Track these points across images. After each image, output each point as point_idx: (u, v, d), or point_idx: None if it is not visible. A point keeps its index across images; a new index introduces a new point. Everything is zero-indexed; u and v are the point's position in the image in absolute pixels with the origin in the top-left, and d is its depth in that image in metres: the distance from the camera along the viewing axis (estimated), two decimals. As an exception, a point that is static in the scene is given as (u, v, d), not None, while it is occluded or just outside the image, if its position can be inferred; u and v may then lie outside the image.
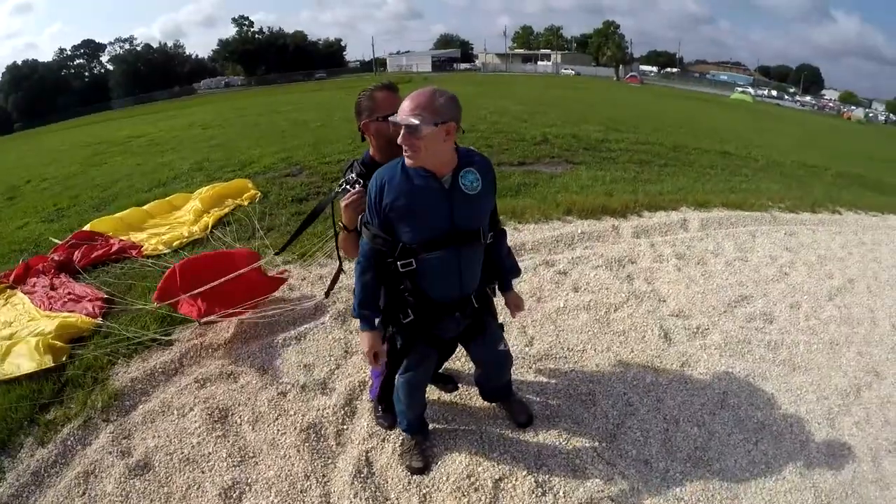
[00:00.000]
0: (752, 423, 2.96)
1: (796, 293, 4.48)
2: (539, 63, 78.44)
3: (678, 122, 16.70)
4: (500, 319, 2.60)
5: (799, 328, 3.95)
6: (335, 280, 2.86)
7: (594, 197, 6.30)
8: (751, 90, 59.16)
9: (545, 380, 3.21)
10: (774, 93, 65.85)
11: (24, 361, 3.40)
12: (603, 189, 6.83)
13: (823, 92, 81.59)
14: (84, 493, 2.58)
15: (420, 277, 2.12)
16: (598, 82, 49.59)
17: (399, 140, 1.91)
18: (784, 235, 5.75)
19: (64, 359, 3.46)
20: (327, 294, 3.21)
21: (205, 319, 3.58)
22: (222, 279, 3.66)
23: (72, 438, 2.87)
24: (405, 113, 1.88)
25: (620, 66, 72.52)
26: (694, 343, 3.63)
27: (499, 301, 2.55)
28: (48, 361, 3.38)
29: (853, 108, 58.37)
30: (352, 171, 2.35)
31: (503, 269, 2.41)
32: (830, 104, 64.75)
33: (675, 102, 29.53)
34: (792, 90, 73.69)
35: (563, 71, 68.72)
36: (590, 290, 4.26)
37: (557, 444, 2.73)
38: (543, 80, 44.38)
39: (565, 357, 3.43)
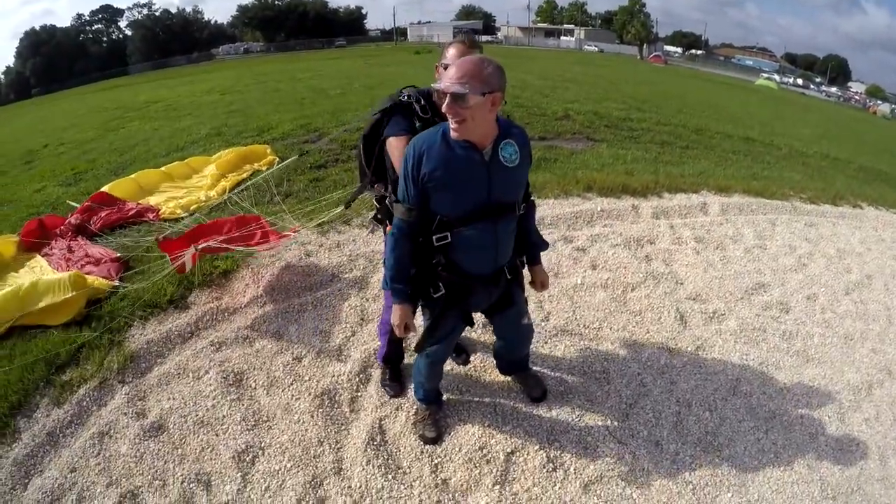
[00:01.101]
0: (764, 412, 2.95)
1: (814, 285, 4.42)
2: (562, 38, 76.78)
3: (701, 105, 16.33)
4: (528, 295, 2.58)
5: (814, 320, 3.91)
6: (359, 192, 2.75)
7: (615, 175, 6.21)
8: (776, 77, 57.72)
9: (560, 355, 3.22)
10: (800, 81, 64.24)
11: (47, 297, 3.50)
12: (624, 168, 6.73)
13: (850, 84, 79.33)
14: (99, 454, 2.62)
15: (455, 251, 2.09)
16: (622, 60, 48.52)
17: (444, 109, 1.86)
18: (804, 226, 5.65)
19: (81, 291, 3.53)
20: (347, 205, 3.15)
21: (201, 246, 3.57)
22: (227, 236, 3.70)
23: (87, 399, 2.91)
24: (452, 80, 1.82)
25: (645, 46, 70.93)
26: (710, 327, 3.61)
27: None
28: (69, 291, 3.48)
29: (879, 102, 56.51)
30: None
31: (531, 242, 2.38)
32: (856, 97, 62.84)
33: (699, 85, 28.86)
34: (818, 80, 71.84)
35: (586, 47, 67.26)
36: (608, 269, 4.23)
37: (570, 420, 2.75)
38: (566, 56, 43.49)
39: (581, 334, 3.43)
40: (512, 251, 2.25)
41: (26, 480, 2.52)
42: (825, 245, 5.27)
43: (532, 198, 2.34)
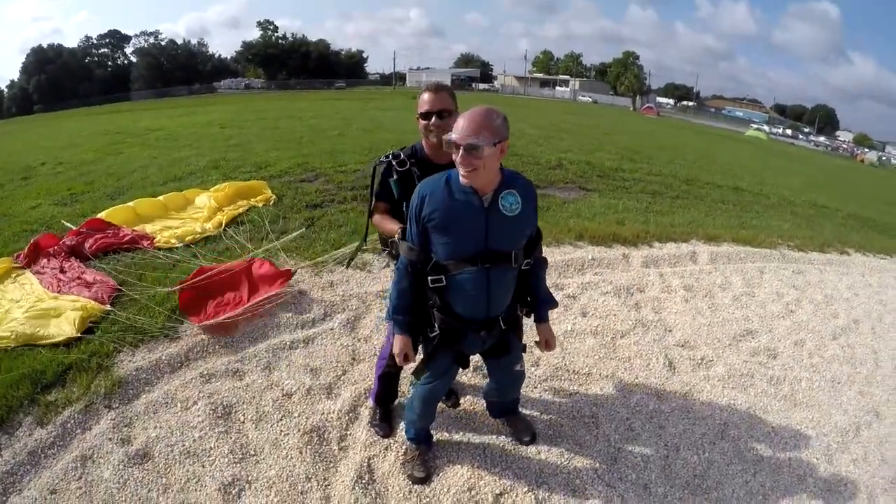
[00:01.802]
0: (752, 455, 2.97)
1: (801, 331, 4.50)
2: (557, 88, 78.85)
3: (692, 156, 16.75)
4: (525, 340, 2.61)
5: (802, 365, 3.97)
6: (357, 250, 2.97)
7: (606, 224, 6.35)
8: (766, 128, 59.42)
9: (550, 400, 3.24)
10: (789, 131, 65.95)
11: (65, 327, 3.56)
12: (615, 217, 6.88)
13: (838, 133, 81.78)
14: (80, 477, 2.58)
15: (449, 294, 2.15)
16: (615, 111, 49.82)
17: (458, 160, 1.94)
18: (792, 273, 5.77)
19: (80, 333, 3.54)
20: (348, 265, 3.27)
21: (204, 322, 3.65)
22: (240, 309, 3.78)
23: (72, 421, 2.87)
24: (466, 133, 1.90)
25: (638, 97, 72.94)
26: (698, 373, 3.65)
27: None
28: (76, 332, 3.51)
29: (867, 150, 58.19)
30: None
31: (539, 298, 2.40)
32: (844, 145, 64.77)
33: (691, 136, 29.63)
34: (806, 130, 73.83)
35: (580, 98, 69.17)
36: (598, 316, 4.29)
37: (559, 463, 2.75)
38: (561, 106, 44.63)
39: (570, 379, 3.46)
40: (510, 302, 2.28)
41: (4, 498, 2.48)
42: (812, 291, 5.38)
43: (542, 255, 2.39)
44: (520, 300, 2.36)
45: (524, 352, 2.55)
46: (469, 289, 2.12)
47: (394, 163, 2.44)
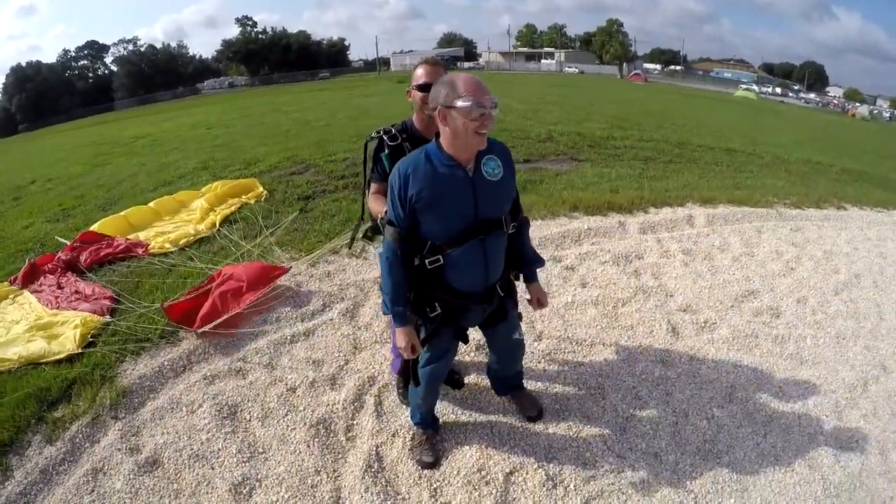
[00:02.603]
0: (761, 417, 2.96)
1: (803, 288, 4.48)
2: (543, 61, 78.30)
3: (683, 120, 16.64)
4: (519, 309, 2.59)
5: (806, 322, 3.96)
6: (356, 232, 2.96)
7: (600, 194, 6.31)
8: (755, 87, 59.04)
9: (555, 374, 3.23)
10: (779, 90, 65.71)
11: (66, 343, 3.56)
12: (609, 186, 6.83)
13: (828, 89, 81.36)
14: (93, 491, 2.58)
15: (447, 271, 2.13)
16: (602, 80, 49.41)
17: (489, 122, 1.94)
18: (790, 231, 5.74)
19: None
20: (350, 246, 3.27)
21: (200, 329, 3.62)
22: (235, 306, 3.77)
23: (80, 436, 2.87)
24: (488, 94, 1.92)
25: (624, 65, 72.36)
26: (702, 337, 3.64)
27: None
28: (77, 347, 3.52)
29: (858, 105, 58.04)
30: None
31: (527, 259, 2.40)
32: (835, 101, 64.46)
33: (680, 100, 29.42)
34: (796, 87, 73.49)
35: (566, 69, 68.53)
36: (597, 286, 4.27)
37: (568, 437, 2.75)
38: (547, 79, 44.25)
39: (574, 351, 3.44)
40: (503, 267, 2.28)
41: None
42: (812, 248, 5.36)
43: (524, 215, 2.39)
44: (509, 264, 2.35)
45: (520, 320, 2.54)
46: (467, 263, 2.11)
47: (385, 138, 2.45)
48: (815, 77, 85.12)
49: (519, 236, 2.33)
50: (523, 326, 3.54)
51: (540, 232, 5.14)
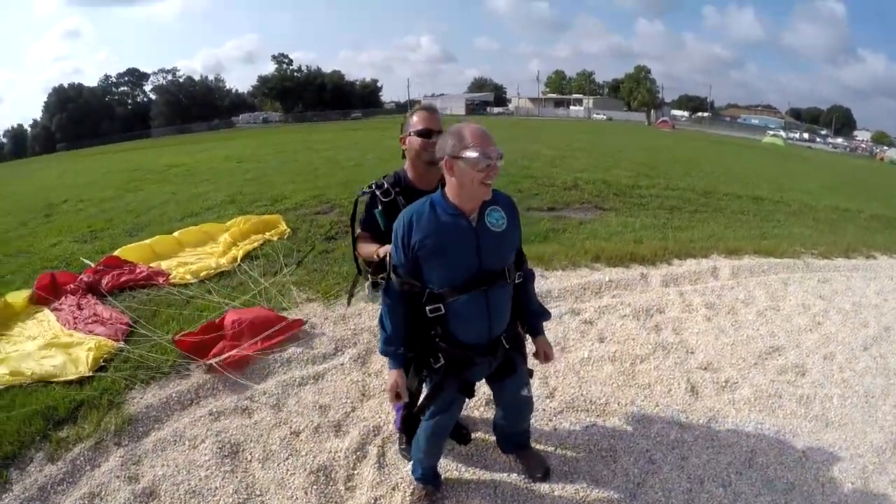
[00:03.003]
0: (782, 484, 2.78)
1: (830, 343, 4.28)
2: (571, 108, 78.87)
3: (710, 167, 16.48)
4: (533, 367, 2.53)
5: (833, 381, 3.76)
6: (354, 285, 2.90)
7: (623, 244, 6.22)
8: (782, 133, 58.30)
9: (565, 433, 3.09)
10: (806, 135, 64.82)
11: (78, 365, 3.63)
12: (632, 236, 6.75)
13: (855, 133, 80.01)
14: (88, 515, 2.56)
15: (450, 322, 2.09)
16: (630, 127, 49.60)
17: (494, 173, 1.94)
18: (817, 283, 5.55)
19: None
20: (348, 302, 3.22)
21: (211, 360, 3.62)
22: (245, 345, 3.78)
23: (81, 458, 2.90)
24: (492, 145, 1.93)
25: (652, 111, 72.68)
26: (722, 397, 3.47)
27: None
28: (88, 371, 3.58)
29: (886, 148, 56.59)
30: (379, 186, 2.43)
31: (531, 312, 2.36)
32: (863, 145, 63.17)
33: (707, 147, 29.28)
34: (823, 132, 72.53)
35: (594, 116, 69.04)
36: (615, 341, 4.14)
37: (575, 501, 2.61)
38: (576, 125, 44.66)
39: (587, 410, 3.30)
40: (509, 319, 2.23)
41: None
42: (840, 300, 5.16)
43: (528, 266, 2.34)
44: (516, 316, 2.31)
45: (531, 376, 2.47)
46: (470, 314, 2.08)
47: (378, 193, 2.40)
48: (842, 121, 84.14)
49: (524, 289, 2.29)
50: (535, 382, 3.47)
51: (560, 283, 5.05)
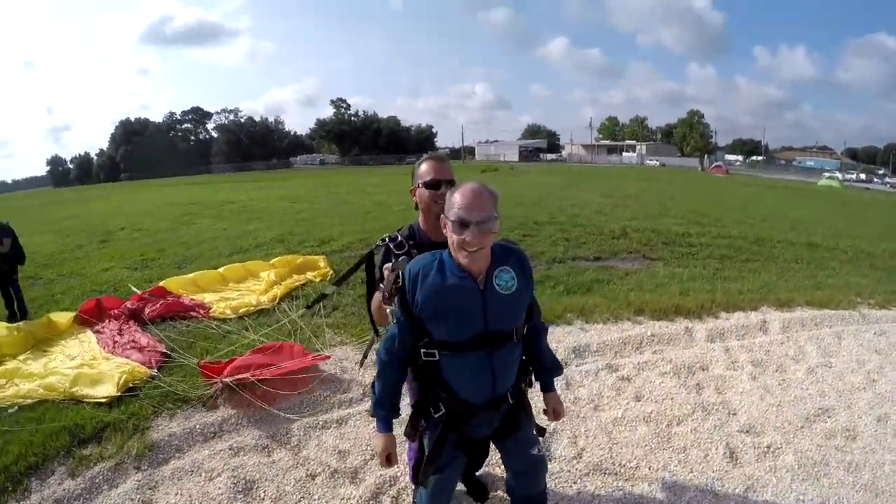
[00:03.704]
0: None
1: (885, 403, 3.92)
2: (624, 154, 78.16)
3: (763, 213, 15.92)
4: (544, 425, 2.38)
5: (885, 446, 3.40)
6: (370, 346, 2.77)
7: (668, 296, 5.98)
8: (838, 175, 55.64)
9: (589, 497, 2.90)
10: (863, 176, 61.21)
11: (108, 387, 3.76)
12: (679, 287, 6.49)
13: (914, 171, 75.19)
14: (98, 534, 2.61)
15: (448, 374, 1.98)
16: (683, 173, 48.65)
17: (466, 239, 1.79)
18: (873, 335, 5.15)
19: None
20: (361, 363, 3.17)
21: (226, 378, 3.68)
22: (264, 369, 3.84)
23: (100, 478, 2.99)
24: (476, 208, 1.77)
25: (705, 156, 71.22)
26: (763, 464, 3.19)
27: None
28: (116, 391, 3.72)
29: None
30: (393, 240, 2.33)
31: (543, 367, 2.23)
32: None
33: (761, 192, 28.32)
34: (881, 171, 68.16)
35: (647, 162, 68.23)
36: (653, 400, 3.92)
37: (593, 573, 2.42)
38: (627, 171, 44.28)
39: (616, 473, 3.10)
40: (514, 379, 2.10)
41: None
42: (897, 355, 4.73)
43: (541, 320, 2.22)
44: (523, 374, 2.17)
45: (542, 434, 2.30)
46: (471, 373, 1.96)
47: (391, 246, 2.28)
48: (899, 159, 79.40)
49: (537, 343, 2.18)
50: (563, 441, 3.37)
51: (599, 337, 4.87)
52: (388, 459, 2.07)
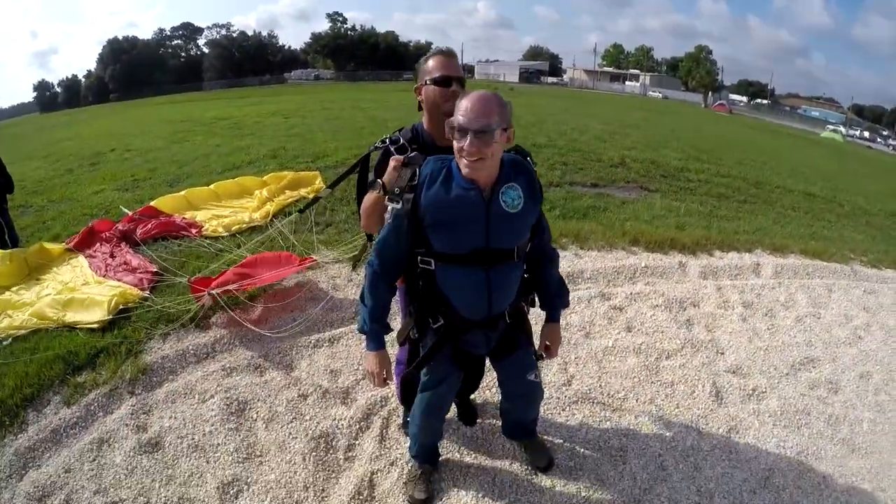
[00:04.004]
0: (796, 510, 2.59)
1: (868, 361, 3.97)
2: (627, 83, 75.86)
3: (763, 157, 15.64)
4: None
5: (866, 403, 3.47)
6: (363, 251, 2.68)
7: (664, 229, 5.93)
8: (842, 129, 54.76)
9: (576, 425, 2.95)
10: (867, 133, 60.48)
11: (99, 312, 3.70)
12: (675, 221, 6.44)
13: (921, 137, 74.36)
14: (94, 459, 2.67)
15: (443, 287, 1.96)
16: (685, 108, 47.59)
17: (464, 147, 1.72)
18: (863, 293, 5.17)
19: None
20: (354, 266, 3.10)
21: (214, 291, 3.65)
22: (251, 279, 3.81)
23: (95, 404, 2.99)
24: (477, 115, 1.69)
25: (709, 93, 69.49)
26: (747, 406, 3.26)
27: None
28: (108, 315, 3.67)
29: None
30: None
31: (551, 297, 2.19)
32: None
33: (763, 135, 27.81)
34: (885, 132, 67.27)
35: (650, 93, 66.42)
36: (643, 332, 3.95)
37: (575, 499, 2.49)
38: (630, 101, 43.15)
39: (603, 403, 3.15)
40: (514, 297, 2.07)
41: (23, 471, 2.61)
42: (885, 315, 4.78)
43: (553, 247, 2.16)
44: (525, 291, 2.13)
45: (540, 359, 2.29)
46: (467, 288, 1.93)
47: (392, 149, 2.09)
48: (906, 123, 78.11)
49: (544, 268, 2.12)
50: (553, 367, 3.38)
51: (593, 264, 4.87)
52: (384, 380, 2.06)
